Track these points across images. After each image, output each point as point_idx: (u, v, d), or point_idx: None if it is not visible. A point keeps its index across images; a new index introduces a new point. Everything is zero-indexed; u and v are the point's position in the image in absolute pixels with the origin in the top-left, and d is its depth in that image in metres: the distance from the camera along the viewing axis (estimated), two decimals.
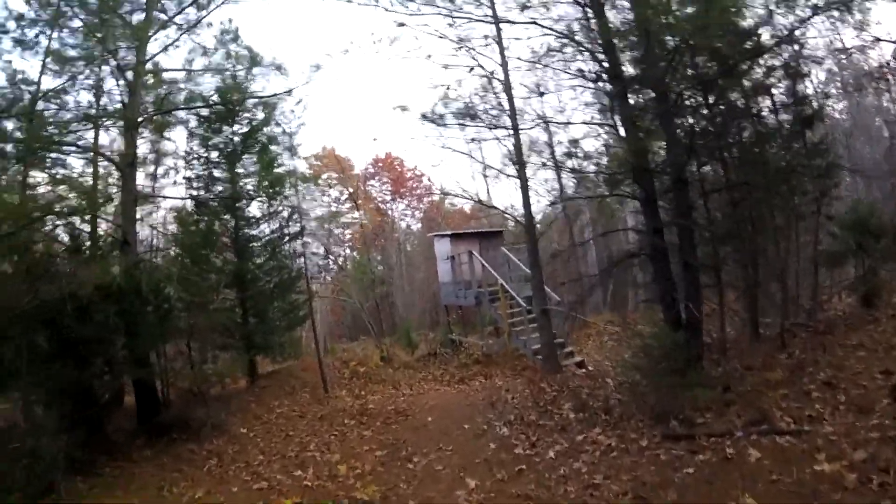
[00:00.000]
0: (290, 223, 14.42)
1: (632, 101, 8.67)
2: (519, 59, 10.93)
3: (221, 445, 9.00)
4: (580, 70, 9.34)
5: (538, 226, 11.80)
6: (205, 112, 12.88)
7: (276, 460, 8.31)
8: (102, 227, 11.45)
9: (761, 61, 8.59)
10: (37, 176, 9.42)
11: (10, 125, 8.10)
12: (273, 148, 13.84)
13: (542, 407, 8.70)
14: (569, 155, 9.44)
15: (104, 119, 11.48)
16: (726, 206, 9.05)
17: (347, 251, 35.02)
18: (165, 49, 11.70)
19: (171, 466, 8.26)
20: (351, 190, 29.43)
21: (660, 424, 6.64)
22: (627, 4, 8.55)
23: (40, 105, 9.70)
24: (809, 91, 9.80)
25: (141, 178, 14.47)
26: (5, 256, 7.95)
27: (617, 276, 12.01)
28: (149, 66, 11.44)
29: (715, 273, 8.55)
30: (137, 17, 10.56)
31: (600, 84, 9.23)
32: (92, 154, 11.33)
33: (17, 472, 6.46)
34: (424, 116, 11.13)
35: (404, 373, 14.02)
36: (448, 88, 10.97)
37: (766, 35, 8.28)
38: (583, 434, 7.10)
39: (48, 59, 9.98)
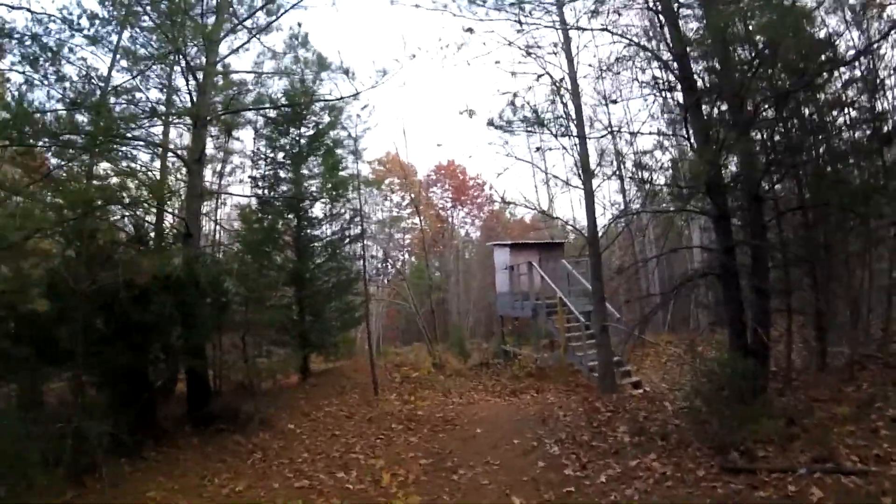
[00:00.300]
0: (352, 225, 14.66)
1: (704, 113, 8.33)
2: (589, 65, 10.71)
3: (267, 440, 9.04)
4: (654, 77, 9.05)
5: (601, 240, 11.45)
6: (272, 114, 13.20)
7: (320, 459, 8.25)
8: (168, 219, 11.81)
9: (836, 73, 8.17)
10: (105, 167, 9.74)
11: (81, 118, 8.36)
12: (338, 151, 14.07)
13: (595, 427, 8.36)
14: (639, 166, 9.14)
15: (173, 116, 11.84)
16: (800, 227, 8.57)
17: (406, 256, 35.38)
18: (236, 51, 12.01)
19: (215, 456, 8.34)
20: (412, 195, 29.62)
21: (719, 455, 6.25)
22: (701, 13, 8.25)
23: (111, 100, 9.98)
24: (887, 107, 9.23)
25: (208, 175, 14.99)
26: (70, 242, 8.24)
27: (679, 295, 11.54)
28: (219, 67, 11.69)
29: (785, 297, 8.08)
30: (208, 20, 10.79)
31: (672, 94, 8.93)
32: (160, 149, 11.68)
33: (62, 449, 6.61)
34: (491, 123, 10.98)
35: (455, 381, 13.88)
36: (515, 95, 10.77)
37: (842, 47, 7.92)
38: (637, 459, 6.73)
39: (118, 56, 10.34)
